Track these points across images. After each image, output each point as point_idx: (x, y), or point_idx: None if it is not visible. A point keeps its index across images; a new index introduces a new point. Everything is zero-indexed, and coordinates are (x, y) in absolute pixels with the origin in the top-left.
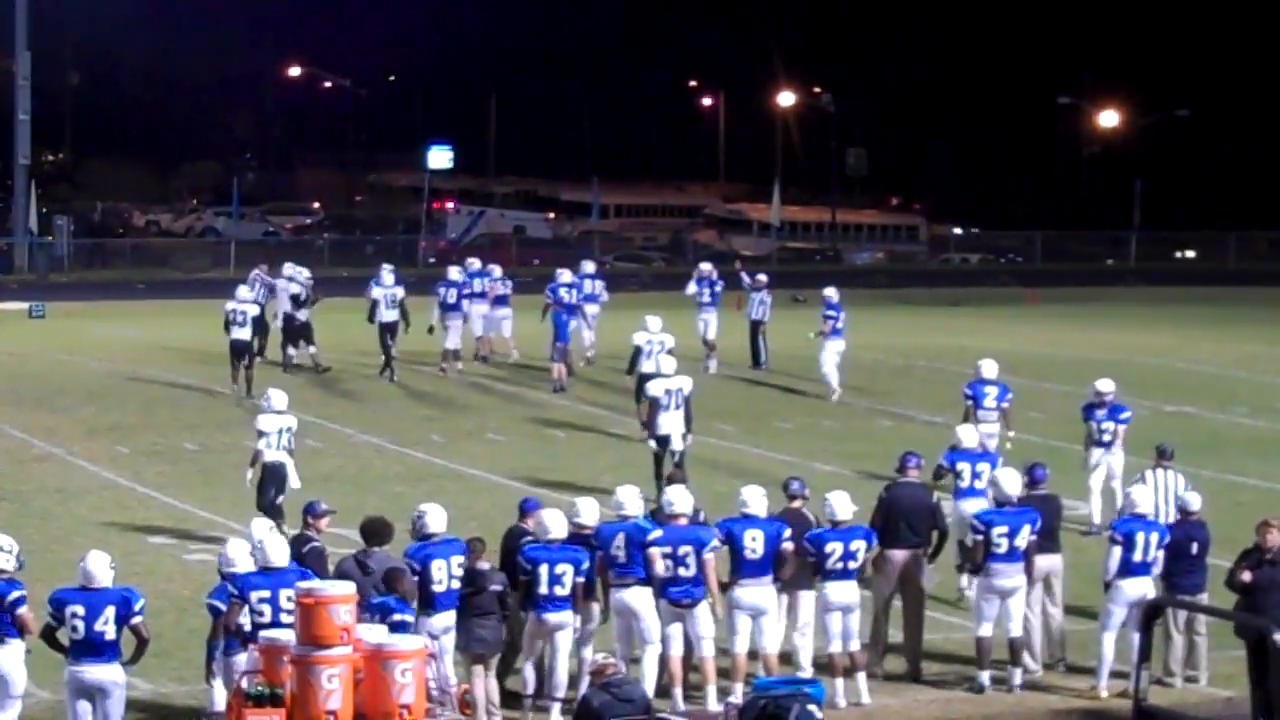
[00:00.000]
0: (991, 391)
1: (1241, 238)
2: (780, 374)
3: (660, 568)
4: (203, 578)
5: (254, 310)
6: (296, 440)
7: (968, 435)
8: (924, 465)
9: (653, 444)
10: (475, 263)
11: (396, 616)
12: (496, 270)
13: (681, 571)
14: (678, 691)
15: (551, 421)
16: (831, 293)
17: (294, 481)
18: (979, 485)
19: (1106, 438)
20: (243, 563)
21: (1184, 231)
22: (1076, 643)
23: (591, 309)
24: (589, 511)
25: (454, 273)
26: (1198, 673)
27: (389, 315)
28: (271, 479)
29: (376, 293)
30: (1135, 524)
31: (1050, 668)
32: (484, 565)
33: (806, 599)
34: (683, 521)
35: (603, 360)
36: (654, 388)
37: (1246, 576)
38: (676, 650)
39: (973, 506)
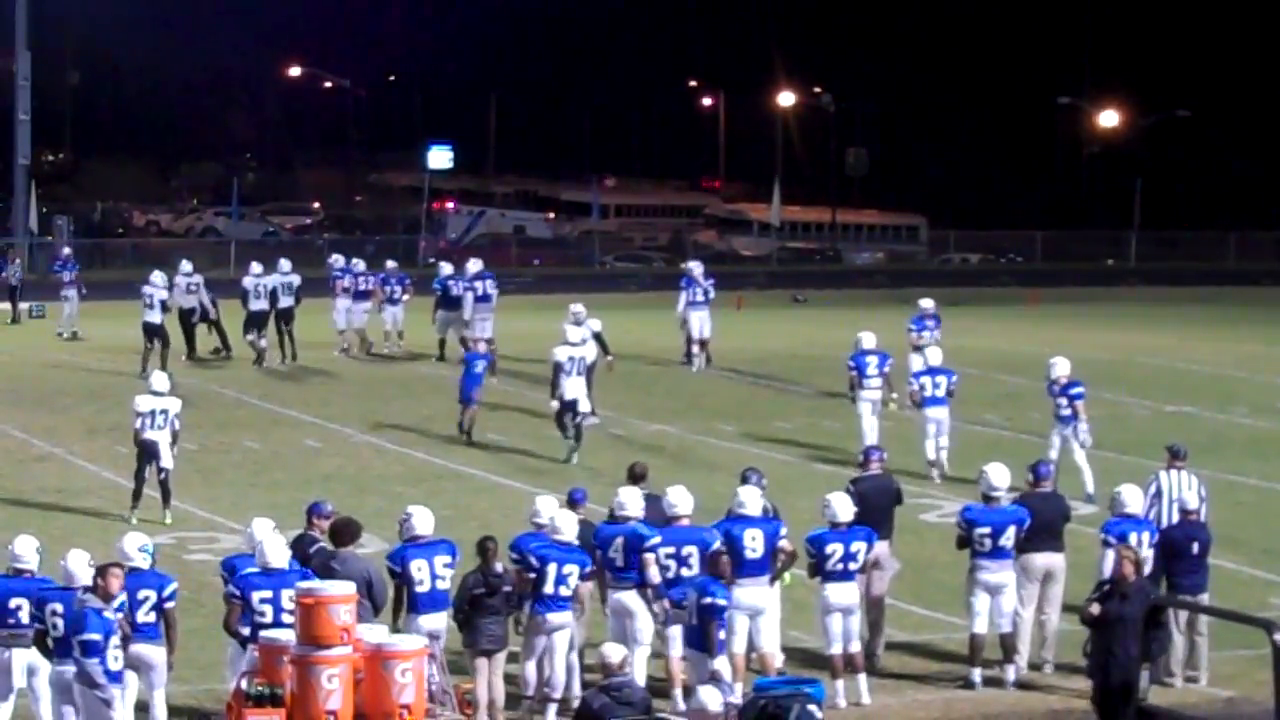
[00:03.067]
0: (872, 360)
1: (1241, 238)
2: (780, 374)
3: (653, 572)
4: (202, 578)
5: (163, 295)
6: (295, 437)
7: (867, 339)
8: (886, 459)
9: (555, 405)
10: (339, 258)
11: (707, 599)
12: (360, 264)
13: (684, 572)
14: (677, 692)
15: (552, 421)
16: (929, 304)
17: (165, 461)
18: (871, 384)
19: (1065, 412)
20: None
21: (1184, 231)
22: (1077, 642)
23: (484, 308)
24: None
25: (450, 268)
26: (1198, 673)
27: (285, 301)
28: (147, 457)
29: (273, 278)
30: (1127, 525)
31: (1036, 668)
32: (498, 566)
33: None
34: (685, 522)
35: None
36: (559, 354)
37: (1094, 610)
38: (676, 651)
39: (868, 402)
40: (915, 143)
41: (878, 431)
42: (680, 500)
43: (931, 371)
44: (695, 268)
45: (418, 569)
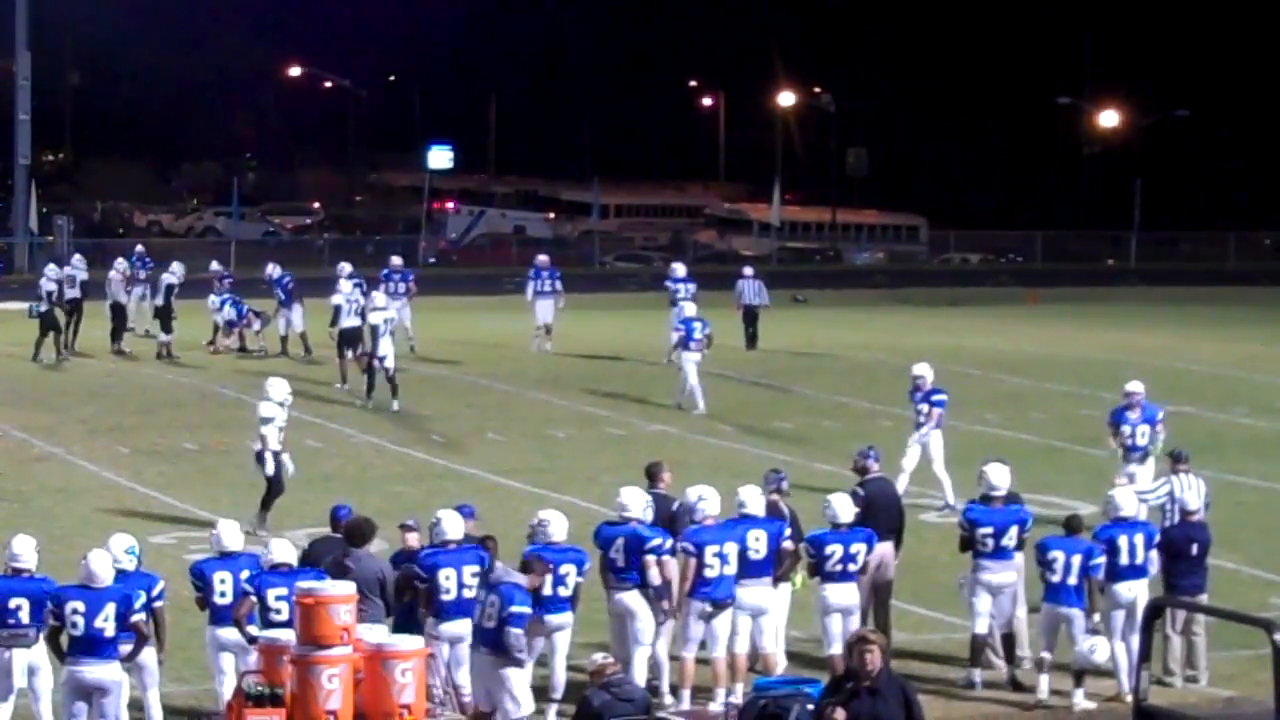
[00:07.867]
0: (697, 326)
1: (1241, 238)
2: (779, 374)
3: (654, 574)
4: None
5: (53, 287)
6: (295, 437)
7: (689, 308)
8: (881, 459)
9: (375, 363)
10: (273, 268)
11: (1096, 560)
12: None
13: (725, 570)
14: (685, 693)
15: (551, 421)
16: (679, 267)
17: (268, 468)
18: (695, 346)
19: (921, 419)
20: (230, 542)
21: (1184, 231)
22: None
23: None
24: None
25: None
26: (1198, 673)
27: (70, 293)
28: (260, 464)
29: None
30: (1116, 529)
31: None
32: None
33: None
34: (712, 521)
35: (602, 361)
36: (374, 318)
37: (840, 716)
38: (692, 651)
39: (691, 361)
40: (915, 143)
41: (701, 391)
42: (711, 500)
43: (700, 320)
44: (542, 259)
45: (445, 577)
